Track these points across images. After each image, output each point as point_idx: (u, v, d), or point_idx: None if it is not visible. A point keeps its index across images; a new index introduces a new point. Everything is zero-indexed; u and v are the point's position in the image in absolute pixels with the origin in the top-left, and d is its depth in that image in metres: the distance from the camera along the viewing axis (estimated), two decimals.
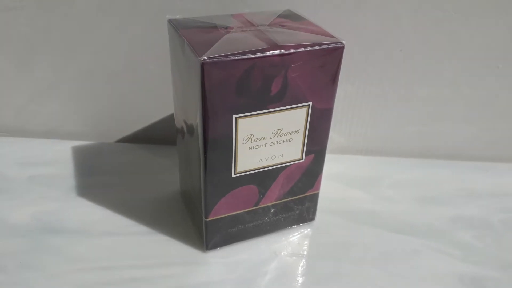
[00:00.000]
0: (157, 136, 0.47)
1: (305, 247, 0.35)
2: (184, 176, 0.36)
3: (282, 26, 0.30)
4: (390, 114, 0.45)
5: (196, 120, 0.28)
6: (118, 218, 0.36)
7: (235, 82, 0.26)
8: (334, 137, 0.46)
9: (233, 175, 0.30)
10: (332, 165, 0.43)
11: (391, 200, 0.40)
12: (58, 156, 0.44)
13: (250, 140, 0.29)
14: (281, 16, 0.32)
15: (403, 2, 0.39)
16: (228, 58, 0.25)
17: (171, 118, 0.46)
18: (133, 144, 0.47)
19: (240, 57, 0.25)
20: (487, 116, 0.44)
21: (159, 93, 0.44)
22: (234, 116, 0.27)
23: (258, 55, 0.26)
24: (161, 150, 0.45)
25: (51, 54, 0.42)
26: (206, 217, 0.31)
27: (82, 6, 0.40)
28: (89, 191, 0.39)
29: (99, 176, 0.41)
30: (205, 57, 0.25)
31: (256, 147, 0.30)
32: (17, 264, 0.32)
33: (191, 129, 0.30)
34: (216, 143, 0.28)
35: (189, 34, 0.28)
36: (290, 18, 0.32)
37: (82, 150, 0.45)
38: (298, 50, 0.27)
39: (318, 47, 0.27)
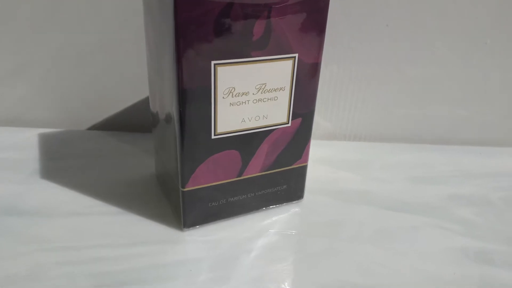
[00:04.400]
0: (131, 122, 0.43)
1: (295, 225, 0.31)
2: (160, 158, 0.33)
3: None
4: (378, 96, 0.43)
5: (171, 74, 0.25)
6: (85, 199, 0.33)
7: (212, 20, 0.24)
8: (320, 121, 0.44)
9: (212, 137, 0.27)
10: (319, 150, 0.40)
11: (382, 180, 0.38)
12: (24, 143, 0.40)
13: (231, 94, 0.26)
14: None
15: None
16: None
17: (144, 102, 0.43)
18: (104, 132, 0.43)
19: None
20: (476, 97, 0.43)
21: (132, 76, 0.41)
22: (212, 63, 0.25)
23: None
24: (134, 137, 0.42)
25: (15, 34, 0.40)
26: (183, 187, 0.28)
27: None
28: (54, 174, 0.36)
29: (66, 160, 0.38)
30: None
31: (238, 103, 0.27)
32: None
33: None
34: (193, 95, 0.25)
35: None
36: None
37: (49, 137, 0.42)
38: None
39: None
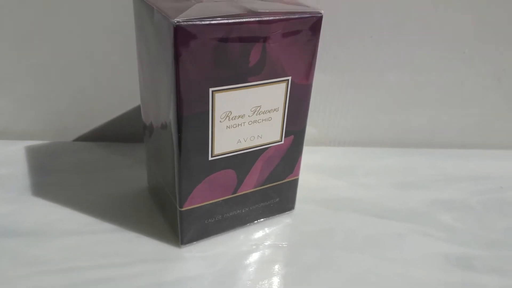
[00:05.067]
0: (119, 133, 0.43)
1: (288, 237, 0.33)
2: (153, 172, 0.34)
3: None
4: (362, 103, 0.44)
5: (167, 99, 0.25)
6: (80, 216, 0.33)
7: (211, 49, 0.24)
8: (307, 128, 0.45)
9: (209, 158, 0.28)
10: (306, 156, 0.41)
11: (368, 186, 0.39)
12: (11, 156, 0.40)
13: (228, 118, 0.27)
14: None
15: None
16: (204, 22, 0.23)
17: (133, 113, 0.43)
18: (92, 143, 0.43)
19: (216, 21, 0.24)
20: (456, 102, 0.45)
21: (120, 86, 0.41)
22: (210, 90, 0.25)
23: (235, 20, 0.24)
24: (124, 148, 0.42)
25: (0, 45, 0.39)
26: (181, 207, 0.29)
27: None
28: (45, 190, 0.36)
29: (56, 174, 0.38)
30: (179, 19, 0.23)
31: (235, 126, 0.27)
32: None
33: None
34: (191, 121, 0.26)
35: (158, 2, 0.26)
36: None
37: (36, 150, 0.41)
38: (277, 17, 0.25)
39: (297, 15, 0.26)
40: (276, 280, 0.29)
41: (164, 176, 0.30)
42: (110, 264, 0.29)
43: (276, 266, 0.30)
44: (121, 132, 0.43)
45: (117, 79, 0.41)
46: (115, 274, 0.28)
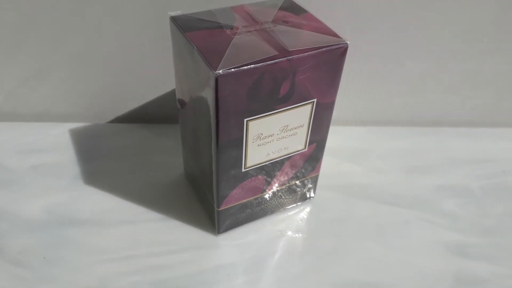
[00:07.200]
0: (154, 114, 0.47)
1: (307, 224, 0.38)
2: (190, 158, 0.38)
3: (285, 22, 0.31)
4: (379, 88, 0.46)
5: (206, 124, 0.29)
6: (128, 205, 0.38)
7: (246, 89, 0.27)
8: None
9: (243, 170, 0.32)
10: None
11: (380, 171, 0.43)
12: (56, 141, 0.44)
13: (259, 138, 0.30)
14: (282, 8, 0.32)
15: None
16: (241, 69, 0.26)
17: (166, 96, 0.46)
18: (129, 124, 0.47)
19: (252, 66, 0.26)
20: (470, 86, 0.47)
21: (154, 73, 0.44)
22: (245, 120, 0.29)
23: (268, 62, 0.27)
24: (160, 129, 0.46)
25: (40, 38, 0.41)
26: (218, 207, 0.34)
27: None
28: (94, 178, 0.40)
29: (101, 161, 0.42)
30: (220, 71, 0.25)
31: (264, 143, 0.31)
32: (42, 260, 0.33)
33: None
34: (228, 145, 0.29)
35: (197, 38, 0.28)
36: (291, 11, 0.32)
37: (78, 133, 0.45)
38: (306, 54, 0.28)
39: (324, 49, 0.28)
40: (297, 268, 0.34)
41: (202, 176, 0.35)
42: (159, 252, 0.35)
43: (297, 254, 0.35)
44: (155, 114, 0.47)
45: (149, 67, 0.43)
46: (164, 262, 0.34)
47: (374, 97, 0.47)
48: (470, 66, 0.45)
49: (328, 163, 0.43)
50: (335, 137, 0.47)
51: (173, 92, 0.45)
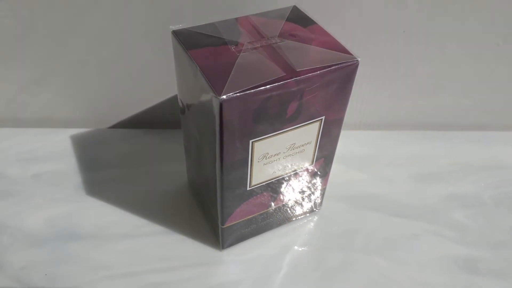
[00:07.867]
0: (156, 119, 0.46)
1: (313, 237, 0.37)
2: (193, 169, 0.37)
3: (293, 36, 0.29)
4: (389, 90, 0.45)
5: (211, 145, 0.28)
6: (130, 218, 0.37)
7: (252, 112, 0.26)
8: None
9: (248, 188, 0.31)
10: None
11: (389, 180, 0.42)
12: (57, 148, 0.43)
13: (265, 157, 0.29)
14: (289, 20, 0.31)
15: None
16: (246, 93, 0.25)
17: (168, 101, 0.45)
18: (131, 130, 0.46)
19: (257, 90, 0.25)
20: (482, 89, 0.45)
21: (156, 78, 0.43)
22: (250, 141, 0.28)
23: (275, 84, 0.25)
24: (162, 134, 0.45)
25: (42, 44, 0.40)
26: (222, 225, 0.33)
27: None
28: (96, 187, 0.40)
29: (104, 169, 0.41)
30: (224, 96, 0.24)
31: (270, 162, 0.30)
32: (43, 277, 0.33)
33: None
34: (233, 165, 0.28)
35: (200, 57, 0.27)
36: (299, 23, 0.30)
37: (80, 139, 0.44)
38: (314, 73, 0.26)
39: (334, 67, 0.27)
40: (303, 286, 0.34)
41: (206, 191, 0.34)
42: (161, 269, 0.34)
43: (303, 270, 0.34)
44: (155, 119, 0.46)
45: (150, 73, 0.42)
46: (166, 279, 0.33)
47: (384, 100, 0.46)
48: (484, 69, 0.44)
49: (335, 170, 0.42)
50: (343, 142, 0.45)
51: (175, 97, 0.44)
